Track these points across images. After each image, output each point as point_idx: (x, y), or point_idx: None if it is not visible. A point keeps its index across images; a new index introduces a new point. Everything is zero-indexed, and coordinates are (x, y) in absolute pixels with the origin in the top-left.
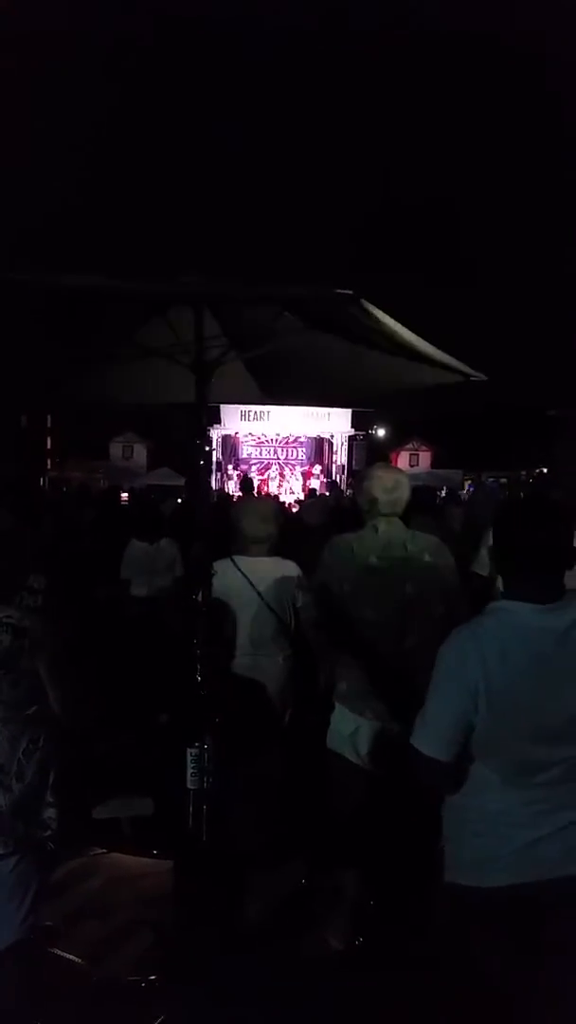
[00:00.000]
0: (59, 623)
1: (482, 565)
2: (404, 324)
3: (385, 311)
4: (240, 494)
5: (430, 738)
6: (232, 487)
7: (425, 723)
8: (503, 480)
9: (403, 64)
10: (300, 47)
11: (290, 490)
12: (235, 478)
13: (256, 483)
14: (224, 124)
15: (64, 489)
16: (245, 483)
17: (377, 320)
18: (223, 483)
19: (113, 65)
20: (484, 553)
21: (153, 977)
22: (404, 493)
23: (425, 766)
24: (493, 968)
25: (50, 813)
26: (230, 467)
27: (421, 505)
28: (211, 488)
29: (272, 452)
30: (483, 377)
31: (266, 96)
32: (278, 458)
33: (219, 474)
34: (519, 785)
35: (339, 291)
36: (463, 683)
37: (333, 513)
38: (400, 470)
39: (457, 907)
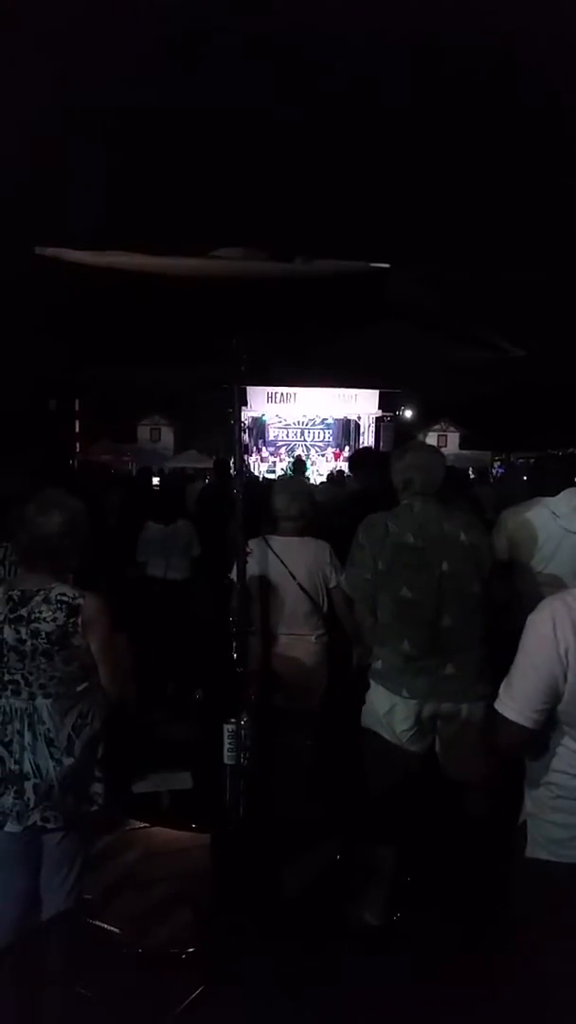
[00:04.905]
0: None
1: (498, 549)
2: (439, 299)
3: (421, 286)
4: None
5: (516, 704)
6: (261, 468)
7: (511, 689)
8: (532, 460)
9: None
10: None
11: (318, 472)
12: (266, 460)
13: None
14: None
15: (90, 471)
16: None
17: (412, 295)
18: (250, 465)
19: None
20: (500, 537)
21: (191, 949)
22: (439, 472)
23: (509, 732)
24: (571, 944)
25: (97, 788)
26: (260, 449)
27: (453, 485)
28: (243, 467)
29: (299, 434)
30: (521, 352)
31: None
32: (305, 440)
33: (247, 456)
34: None
35: (374, 265)
36: (552, 651)
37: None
38: (435, 448)
39: (539, 882)
